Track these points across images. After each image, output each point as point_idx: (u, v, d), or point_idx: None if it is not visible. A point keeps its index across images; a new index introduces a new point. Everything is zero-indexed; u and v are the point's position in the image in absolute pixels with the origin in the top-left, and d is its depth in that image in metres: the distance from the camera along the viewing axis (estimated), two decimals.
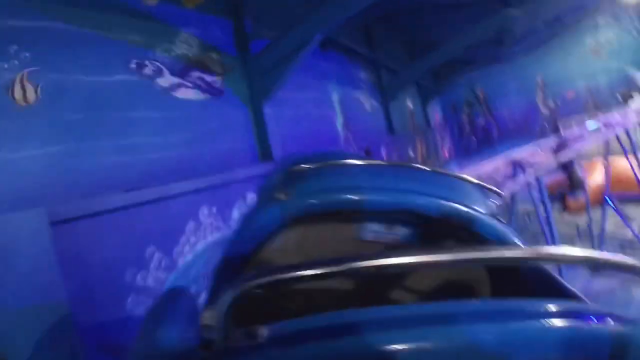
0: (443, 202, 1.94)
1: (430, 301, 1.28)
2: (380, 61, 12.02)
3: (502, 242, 1.81)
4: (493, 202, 2.25)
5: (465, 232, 1.88)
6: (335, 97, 9.83)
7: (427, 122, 17.96)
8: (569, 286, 1.63)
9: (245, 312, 1.21)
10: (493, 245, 1.54)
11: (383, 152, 10.98)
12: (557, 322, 1.05)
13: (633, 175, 12.91)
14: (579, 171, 14.21)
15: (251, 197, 5.32)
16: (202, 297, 2.22)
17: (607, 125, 10.02)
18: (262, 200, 2.22)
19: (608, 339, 1.03)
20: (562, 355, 1.01)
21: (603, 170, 13.60)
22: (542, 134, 19.77)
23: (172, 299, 1.56)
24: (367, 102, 11.14)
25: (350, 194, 1.94)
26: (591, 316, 1.08)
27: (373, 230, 2.06)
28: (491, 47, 16.22)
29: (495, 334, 1.03)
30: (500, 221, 1.99)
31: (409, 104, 15.16)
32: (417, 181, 2.28)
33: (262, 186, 2.59)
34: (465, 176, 2.42)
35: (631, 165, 13.43)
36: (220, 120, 6.30)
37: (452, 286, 1.90)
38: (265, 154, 6.82)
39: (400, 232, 2.06)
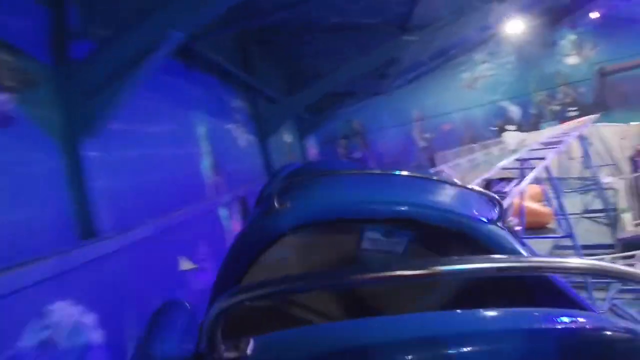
0: (443, 210, 2.04)
1: (429, 310, 1.24)
2: (258, 87, 9.97)
3: (504, 249, 1.87)
4: (493, 209, 2.19)
5: (466, 239, 1.94)
6: (201, 130, 7.43)
7: (304, 157, 16.35)
8: (575, 294, 1.74)
9: (251, 323, 1.25)
10: (499, 255, 1.47)
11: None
12: (567, 332, 1.05)
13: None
14: None
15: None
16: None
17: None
18: (261, 209, 2.21)
19: (619, 347, 1.04)
20: None
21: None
22: (419, 167, 20.08)
23: (170, 312, 1.55)
24: (243, 137, 8.83)
25: (348, 203, 2.05)
26: (600, 325, 1.09)
27: (372, 238, 2.09)
28: (374, 79, 15.16)
29: (499, 344, 1.02)
30: (501, 228, 2.04)
31: (287, 138, 13.30)
32: (417, 190, 2.35)
33: (260, 196, 2.59)
34: (464, 184, 2.47)
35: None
36: (5, 171, 3.74)
37: (456, 295, 1.82)
38: (86, 227, 4.26)
39: (400, 240, 2.09)
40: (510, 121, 21.14)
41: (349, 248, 2.11)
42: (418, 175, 2.63)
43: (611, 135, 14.18)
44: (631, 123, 17.14)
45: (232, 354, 1.05)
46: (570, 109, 22.01)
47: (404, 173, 2.50)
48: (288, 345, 1.11)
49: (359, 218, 2.01)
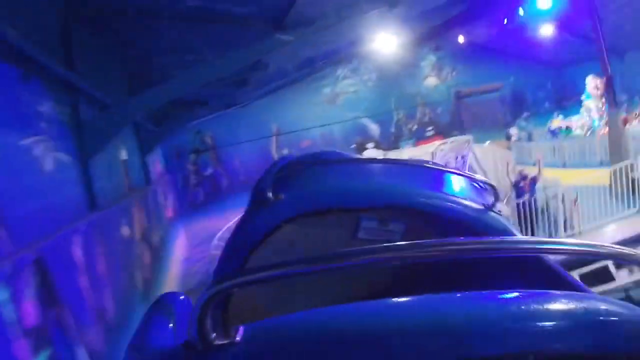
0: (439, 197, 2.12)
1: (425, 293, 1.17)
2: (82, 87, 7.19)
3: (501, 234, 1.95)
4: (488, 195, 2.24)
5: (462, 226, 1.99)
6: None
7: (147, 176, 13.48)
8: (570, 276, 1.85)
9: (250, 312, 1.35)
10: (495, 237, 1.48)
11: (75, 250, 5.87)
12: (575, 312, 1.05)
13: None
14: None
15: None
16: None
17: None
18: (256, 201, 2.23)
19: (623, 325, 1.04)
20: (580, 345, 1.00)
21: None
22: None
23: (167, 304, 1.58)
24: (49, 157, 5.88)
25: (343, 193, 2.10)
26: (600, 306, 1.09)
27: (367, 227, 2.16)
28: (233, 86, 13.03)
29: (501, 325, 1.01)
30: (497, 214, 2.11)
31: (122, 155, 10.44)
32: (412, 177, 2.38)
33: (255, 188, 2.57)
34: (459, 171, 2.71)
35: None
36: None
37: (450, 279, 1.75)
38: None
39: (396, 228, 2.17)
40: (370, 139, 20.46)
41: (345, 238, 2.18)
42: (412, 162, 2.87)
43: (482, 155, 13.82)
44: (487, 142, 17.05)
45: (221, 341, 1.04)
46: (428, 128, 22.10)
47: (398, 161, 2.80)
48: (278, 331, 1.09)
49: (354, 207, 2.08)
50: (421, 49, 21.69)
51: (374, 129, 20.50)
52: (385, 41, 17.78)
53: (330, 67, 19.18)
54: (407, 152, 17.47)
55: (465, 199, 2.12)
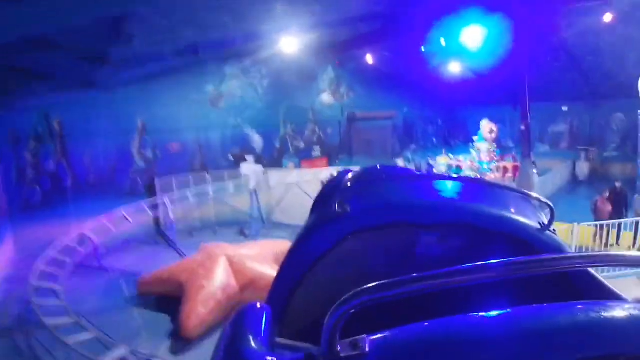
0: (498, 215, 2.18)
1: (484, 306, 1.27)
2: None
3: (556, 252, 2.10)
4: (544, 214, 2.36)
5: (519, 244, 2.11)
6: None
7: None
8: (614, 289, 1.88)
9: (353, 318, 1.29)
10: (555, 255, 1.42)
11: None
12: (619, 321, 1.13)
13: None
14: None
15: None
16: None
17: None
18: (321, 214, 2.34)
19: None
20: (627, 350, 1.06)
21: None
22: (133, 192, 16.04)
23: (251, 314, 1.63)
24: None
25: (406, 208, 2.21)
26: None
27: (426, 243, 2.24)
28: (83, 60, 10.42)
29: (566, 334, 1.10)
30: (553, 233, 2.19)
31: None
32: (472, 194, 2.48)
33: (318, 199, 2.70)
34: (517, 188, 2.91)
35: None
36: None
37: (506, 291, 1.82)
38: None
39: (453, 245, 2.26)
40: (250, 151, 18.48)
41: (404, 252, 2.27)
42: (473, 180, 2.93)
43: None
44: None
45: (350, 353, 1.09)
46: (315, 148, 20.68)
47: (460, 177, 2.83)
48: (405, 342, 1.14)
49: (417, 223, 2.16)
50: (322, 61, 20.33)
51: (257, 140, 18.59)
52: (285, 44, 16.10)
53: (217, 62, 17.03)
54: (292, 175, 15.79)
55: (523, 217, 2.20)
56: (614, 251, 2.20)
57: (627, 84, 19.94)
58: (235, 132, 18.01)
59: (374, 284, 1.12)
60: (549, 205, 2.31)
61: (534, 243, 2.08)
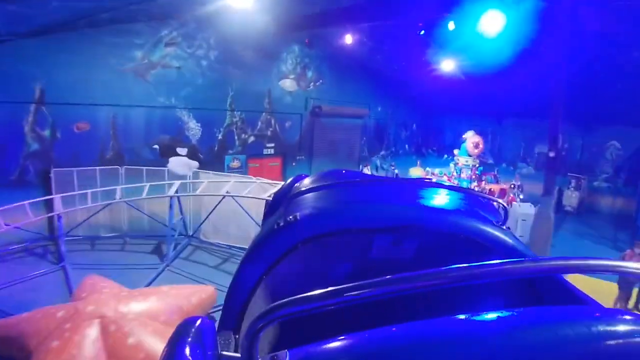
0: (451, 215, 2.22)
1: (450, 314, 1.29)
2: None
3: (512, 252, 2.11)
4: (497, 213, 2.44)
5: (473, 243, 2.14)
6: None
7: None
8: (582, 292, 1.89)
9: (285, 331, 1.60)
10: (520, 259, 1.35)
11: None
12: (587, 329, 1.12)
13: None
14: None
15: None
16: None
17: None
18: (271, 222, 2.33)
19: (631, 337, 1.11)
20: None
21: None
22: (21, 182, 12.20)
23: (192, 327, 1.66)
24: None
25: (356, 214, 2.18)
26: (615, 319, 1.18)
27: (380, 246, 2.32)
28: None
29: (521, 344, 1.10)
30: (507, 231, 2.24)
31: None
32: (423, 196, 2.53)
33: (270, 208, 2.81)
34: (470, 189, 2.83)
35: None
36: None
37: (467, 296, 1.92)
38: None
39: (408, 247, 2.34)
40: (184, 142, 14.75)
41: (359, 257, 2.36)
42: (424, 182, 2.89)
43: None
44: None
45: None
46: (268, 145, 17.19)
47: (410, 180, 3.11)
48: (327, 356, 1.13)
49: (369, 227, 2.16)
50: (288, 37, 16.80)
51: (194, 128, 14.88)
52: (241, 8, 12.45)
53: (151, 22, 13.20)
54: (231, 182, 12.34)
55: (475, 216, 2.25)
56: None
57: (630, 110, 17.94)
58: (165, 115, 14.24)
59: (291, 298, 1.10)
60: (501, 204, 2.41)
61: (487, 242, 2.11)
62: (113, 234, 13.09)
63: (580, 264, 1.15)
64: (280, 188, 3.02)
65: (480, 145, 18.97)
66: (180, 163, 14.42)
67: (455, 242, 2.13)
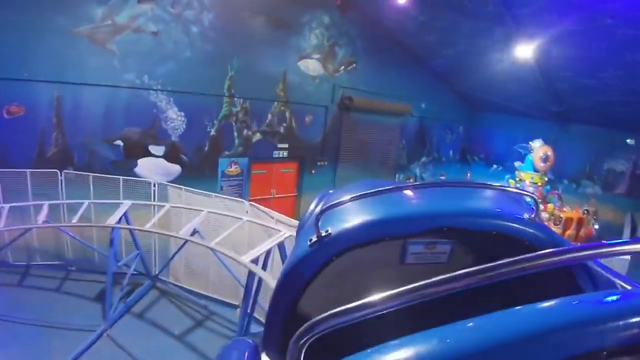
0: (480, 214, 2.29)
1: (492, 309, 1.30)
2: None
3: (546, 242, 2.19)
4: (528, 206, 2.45)
5: (507, 238, 2.22)
6: None
7: None
8: (614, 277, 1.94)
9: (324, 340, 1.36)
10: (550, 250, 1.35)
11: None
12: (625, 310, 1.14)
13: None
14: None
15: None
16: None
17: None
18: (305, 237, 2.40)
19: None
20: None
21: None
22: None
23: (237, 349, 1.97)
24: None
25: (388, 222, 2.27)
26: None
27: (414, 252, 2.30)
28: None
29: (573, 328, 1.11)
30: (539, 224, 2.29)
31: None
32: (452, 197, 2.57)
33: (302, 223, 2.93)
34: (498, 185, 2.77)
35: None
36: None
37: (501, 291, 1.83)
38: None
39: (443, 249, 2.32)
40: (160, 137, 10.90)
41: (394, 265, 2.35)
42: (451, 183, 2.98)
43: None
44: None
45: None
46: (280, 145, 13.35)
47: (439, 182, 2.83)
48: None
49: (401, 235, 2.23)
50: (321, 7, 13.05)
51: (175, 118, 11.03)
52: None
53: None
54: (215, 202, 8.60)
55: (507, 212, 2.31)
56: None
57: None
58: (134, 100, 10.43)
59: (332, 311, 1.15)
60: (532, 198, 2.41)
61: (521, 236, 2.20)
62: (52, 262, 9.50)
63: (631, 249, 1.16)
64: (310, 209, 3.03)
65: (550, 158, 15.10)
66: (153, 167, 10.62)
67: (489, 240, 2.21)
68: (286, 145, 13.57)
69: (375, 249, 2.26)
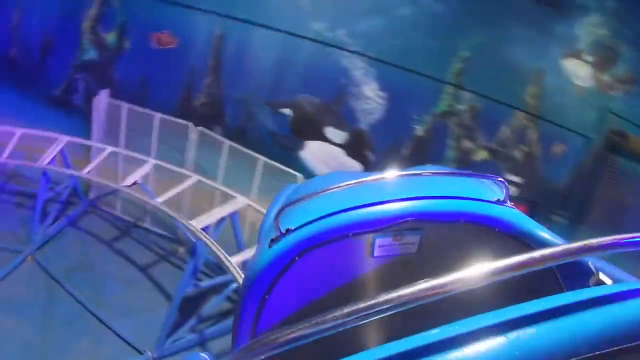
0: (449, 202, 2.28)
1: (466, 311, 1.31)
2: None
3: (520, 229, 2.17)
4: (498, 190, 2.40)
5: (476, 223, 2.21)
6: None
7: None
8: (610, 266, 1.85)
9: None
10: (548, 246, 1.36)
11: None
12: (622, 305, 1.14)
13: None
14: None
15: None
16: None
17: None
18: (266, 237, 2.41)
19: None
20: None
21: None
22: (65, 103, 8.87)
23: None
24: None
25: (352, 217, 2.22)
26: None
27: (382, 245, 2.29)
28: None
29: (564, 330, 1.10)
30: (511, 208, 2.29)
31: None
32: (421, 188, 2.50)
33: (264, 222, 2.83)
34: (465, 170, 2.96)
35: None
36: None
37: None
38: None
39: (412, 239, 2.30)
40: (342, 120, 7.94)
41: (362, 259, 2.33)
42: (414, 172, 2.73)
43: None
44: None
45: None
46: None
47: (404, 173, 2.56)
48: None
49: (367, 230, 2.20)
50: None
51: (371, 98, 8.07)
52: None
53: None
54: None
55: (475, 198, 2.30)
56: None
57: None
58: (319, 59, 7.74)
59: (290, 326, 1.09)
60: (501, 181, 2.40)
61: (491, 221, 2.19)
62: None
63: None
64: (271, 205, 2.98)
65: None
66: (324, 157, 7.81)
67: (458, 228, 2.24)
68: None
69: (341, 246, 2.27)
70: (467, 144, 9.00)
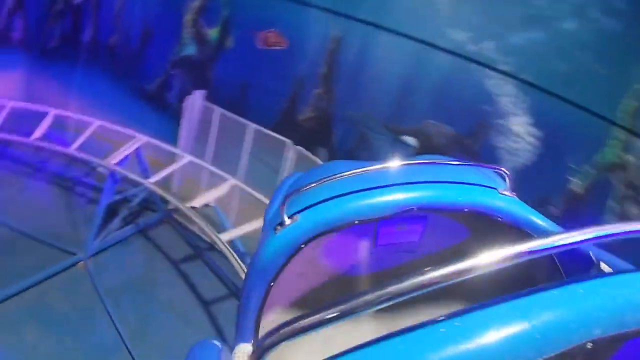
0: (449, 189, 2.26)
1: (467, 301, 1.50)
2: None
3: (520, 218, 2.19)
4: (500, 180, 2.40)
5: (479, 216, 2.22)
6: None
7: None
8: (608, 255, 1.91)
9: None
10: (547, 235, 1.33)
11: None
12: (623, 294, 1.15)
13: None
14: None
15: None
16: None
17: None
18: (270, 226, 2.42)
19: None
20: None
21: None
22: (159, 98, 8.45)
23: (202, 353, 1.95)
24: None
25: (357, 207, 2.20)
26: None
27: (385, 233, 2.39)
28: None
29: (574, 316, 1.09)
30: (513, 197, 2.28)
31: None
32: (424, 177, 2.46)
33: (267, 212, 2.82)
34: (468, 161, 2.70)
35: None
36: None
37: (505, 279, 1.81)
38: None
39: (415, 227, 2.42)
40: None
41: (366, 247, 2.45)
42: (418, 162, 2.69)
43: None
44: None
45: None
46: None
47: (407, 162, 2.50)
48: None
49: (370, 218, 2.21)
50: None
51: (521, 134, 6.37)
52: None
53: None
54: None
55: (476, 187, 2.31)
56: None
57: None
58: (457, 77, 6.26)
59: (299, 316, 1.14)
60: (502, 170, 2.41)
61: (493, 209, 2.18)
62: None
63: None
64: (275, 192, 2.98)
65: None
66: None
67: (460, 217, 2.33)
68: None
69: (345, 234, 2.33)
70: (634, 209, 6.99)
